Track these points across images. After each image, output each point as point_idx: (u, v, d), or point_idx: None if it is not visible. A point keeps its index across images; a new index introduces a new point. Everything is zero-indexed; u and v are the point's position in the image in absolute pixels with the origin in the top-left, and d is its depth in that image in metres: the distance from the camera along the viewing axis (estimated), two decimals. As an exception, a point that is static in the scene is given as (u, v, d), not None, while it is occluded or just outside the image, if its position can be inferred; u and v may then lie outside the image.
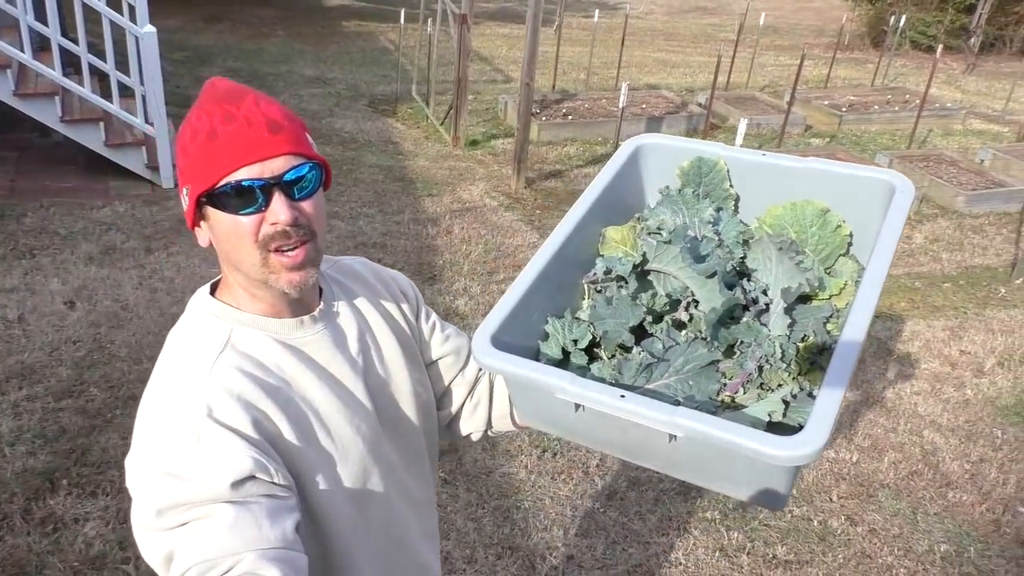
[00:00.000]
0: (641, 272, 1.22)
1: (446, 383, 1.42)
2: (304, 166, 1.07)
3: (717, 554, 3.13)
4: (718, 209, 1.29)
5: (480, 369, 1.43)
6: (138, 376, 3.84)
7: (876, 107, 9.89)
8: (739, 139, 4.68)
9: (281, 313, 1.15)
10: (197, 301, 1.18)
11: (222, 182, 1.03)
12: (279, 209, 1.04)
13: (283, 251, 1.07)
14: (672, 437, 0.93)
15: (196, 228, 1.12)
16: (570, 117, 8.54)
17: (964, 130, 9.94)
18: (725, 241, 1.23)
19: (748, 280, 1.21)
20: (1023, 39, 14.88)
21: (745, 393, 1.04)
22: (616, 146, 5.81)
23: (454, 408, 1.43)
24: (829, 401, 0.90)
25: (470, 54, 7.54)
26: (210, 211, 1.07)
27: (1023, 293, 5.76)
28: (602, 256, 1.27)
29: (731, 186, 1.30)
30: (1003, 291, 5.77)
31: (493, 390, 1.43)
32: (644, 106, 9.13)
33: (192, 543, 0.95)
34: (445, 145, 7.84)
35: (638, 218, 1.32)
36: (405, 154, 7.55)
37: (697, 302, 1.16)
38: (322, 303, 1.21)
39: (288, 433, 1.08)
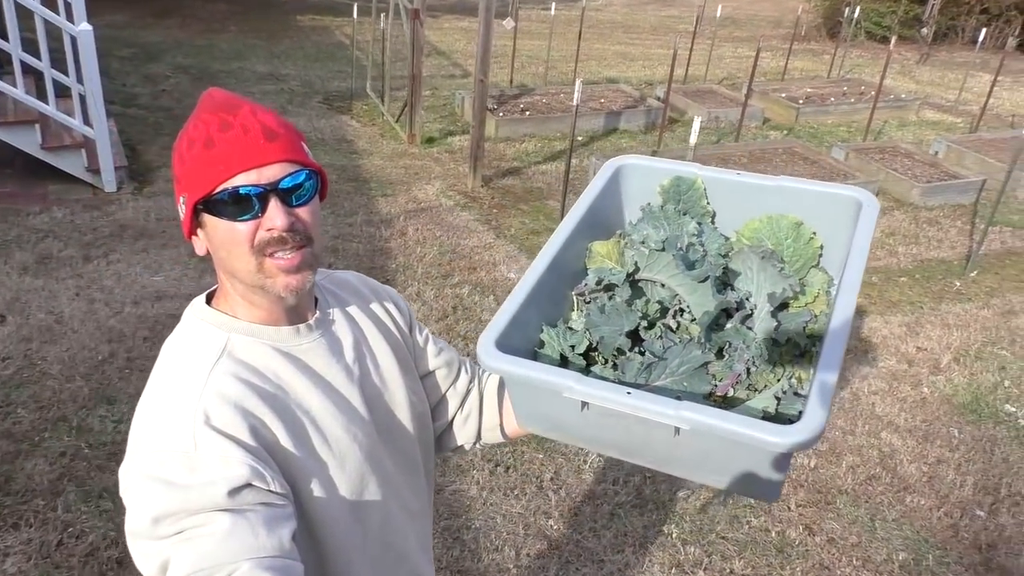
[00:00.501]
0: (632, 282, 1.28)
1: (437, 397, 1.43)
2: (300, 173, 1.08)
3: (674, 571, 3.02)
4: (699, 223, 1.35)
5: (471, 381, 1.46)
6: (70, 395, 3.62)
7: (832, 99, 9.88)
8: (693, 137, 4.57)
9: (278, 321, 1.15)
10: (193, 310, 1.17)
11: (219, 189, 1.04)
12: (275, 215, 1.04)
13: (279, 255, 1.07)
14: (676, 432, 0.96)
15: (193, 237, 1.12)
16: (528, 113, 8.39)
17: (919, 121, 9.97)
18: (709, 252, 1.29)
19: (731, 288, 1.28)
20: (974, 29, 15.01)
21: (734, 393, 1.09)
22: (573, 142, 5.68)
23: (445, 420, 1.44)
24: (822, 391, 0.95)
25: (424, 49, 7.35)
26: (207, 219, 1.08)
27: (977, 286, 5.74)
28: (588, 269, 1.32)
29: (708, 203, 1.36)
30: (958, 284, 5.75)
31: (483, 403, 1.45)
32: (602, 100, 9.00)
33: (188, 552, 0.93)
34: (401, 143, 7.65)
35: (620, 234, 1.37)
36: (359, 153, 7.35)
37: (682, 310, 1.22)
38: (318, 312, 1.21)
39: (285, 440, 1.08)
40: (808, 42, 14.67)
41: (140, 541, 0.98)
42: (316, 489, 1.11)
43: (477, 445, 1.49)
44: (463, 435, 1.46)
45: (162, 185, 6.07)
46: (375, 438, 1.22)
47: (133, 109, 7.85)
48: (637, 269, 1.24)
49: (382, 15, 8.04)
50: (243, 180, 1.04)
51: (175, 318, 1.18)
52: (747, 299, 1.23)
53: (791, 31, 12.71)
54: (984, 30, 11.18)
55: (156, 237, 5.25)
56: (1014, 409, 4.28)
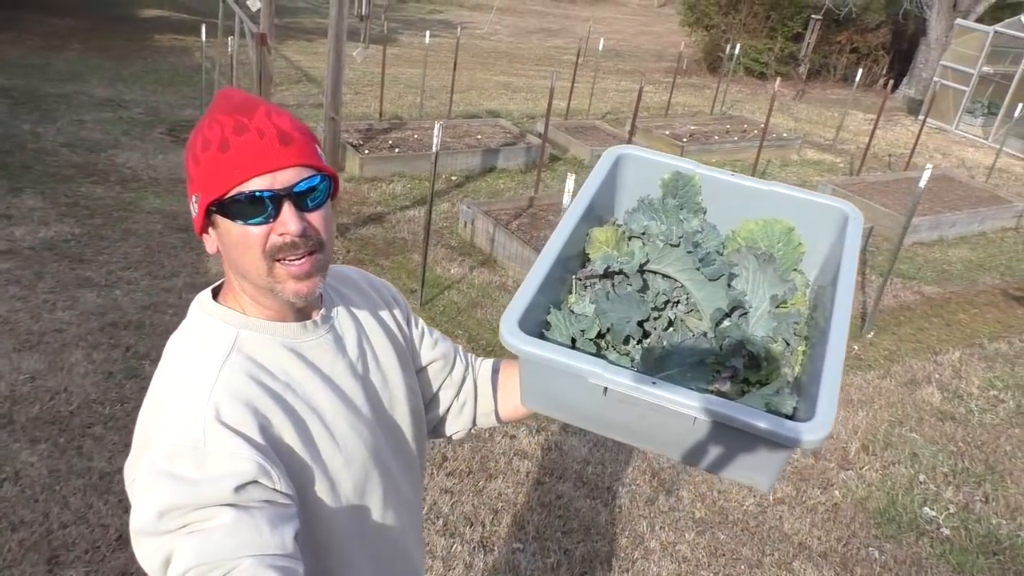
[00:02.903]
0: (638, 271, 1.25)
1: (435, 388, 1.41)
2: (315, 178, 1.06)
3: None
4: (702, 220, 1.33)
5: (466, 370, 1.44)
6: None
7: (716, 137, 9.38)
8: (567, 199, 3.73)
9: (286, 318, 1.12)
10: (200, 305, 1.13)
11: (233, 191, 1.02)
12: (288, 220, 1.02)
13: (289, 261, 1.05)
14: (692, 421, 0.97)
15: (204, 235, 1.09)
16: (397, 150, 7.43)
17: (800, 160, 9.59)
18: (708, 250, 1.27)
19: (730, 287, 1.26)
20: (845, 67, 15.08)
21: (731, 387, 1.06)
22: (433, 189, 4.76)
23: (441, 411, 1.43)
24: (831, 390, 0.96)
25: (272, 78, 6.30)
26: (219, 219, 1.05)
27: (875, 350, 5.16)
28: (590, 255, 1.27)
29: (701, 200, 1.34)
30: (856, 348, 5.15)
31: (477, 390, 1.44)
32: (479, 137, 8.15)
33: (191, 546, 0.91)
34: (248, 183, 6.55)
35: (614, 221, 1.35)
36: (198, 195, 6.21)
37: (678, 302, 1.21)
38: (323, 308, 1.18)
39: (292, 439, 1.05)
40: (690, 76, 14.35)
41: (144, 537, 0.94)
42: (322, 486, 1.08)
43: (472, 430, 1.48)
44: (459, 423, 1.44)
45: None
46: (378, 434, 1.20)
47: (-75, 140, 6.46)
48: (648, 260, 1.20)
49: (229, 38, 6.95)
50: (257, 184, 1.01)
51: None
52: (743, 297, 1.20)
53: (673, 64, 12.29)
54: (860, 69, 10.99)
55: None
56: (934, 513, 3.62)
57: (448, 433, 1.45)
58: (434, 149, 4.36)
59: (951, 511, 3.65)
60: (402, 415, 1.27)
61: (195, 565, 0.90)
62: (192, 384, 1.02)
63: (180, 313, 3.87)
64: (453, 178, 7.37)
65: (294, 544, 0.96)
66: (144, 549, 0.95)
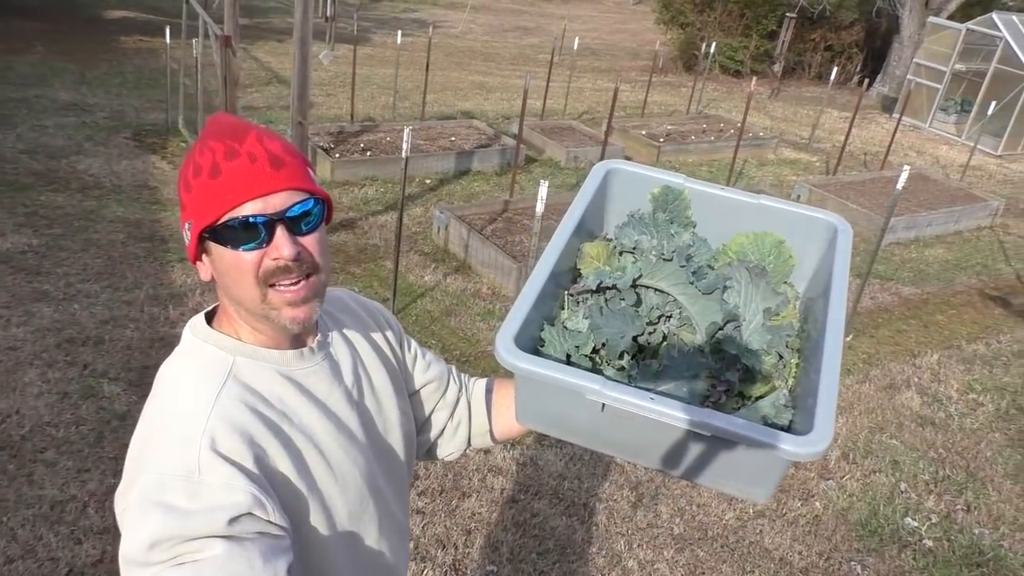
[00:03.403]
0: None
1: (428, 410, 1.39)
2: (308, 201, 1.04)
3: None
4: (693, 234, 1.33)
5: (459, 391, 1.42)
6: None
7: (693, 136, 9.30)
8: (540, 207, 3.62)
9: (281, 344, 1.10)
10: (195, 331, 1.10)
11: (225, 217, 1.00)
12: (282, 244, 1.01)
13: (284, 286, 1.04)
14: (690, 435, 0.97)
15: (198, 263, 1.08)
16: (369, 153, 7.28)
17: (777, 160, 9.55)
18: (700, 264, 1.26)
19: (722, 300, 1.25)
20: (819, 65, 15.10)
21: (726, 400, 1.06)
22: (416, 184, 4.63)
23: (434, 433, 1.41)
24: (827, 405, 0.95)
25: (239, 80, 6.13)
26: (212, 246, 1.04)
27: (854, 353, 5.10)
28: (581, 270, 1.27)
29: (691, 214, 1.33)
30: (835, 352, 5.07)
31: (471, 410, 1.43)
32: (453, 139, 8.01)
33: None
34: (216, 189, 6.37)
35: (604, 236, 1.35)
36: (163, 203, 6.03)
37: (670, 316, 1.20)
38: (319, 334, 1.16)
39: (288, 470, 1.03)
40: (666, 75, 14.28)
41: (133, 568, 0.92)
42: (317, 516, 1.06)
43: (467, 451, 1.46)
44: (454, 443, 1.42)
45: None
46: (372, 460, 1.18)
47: None
48: (640, 275, 1.21)
49: (195, 40, 6.76)
50: (249, 209, 1.00)
51: None
52: (736, 311, 1.19)
53: (649, 63, 12.21)
54: (836, 68, 10.97)
55: None
56: (916, 524, 3.54)
57: (441, 455, 1.44)
58: (404, 155, 4.23)
59: (933, 521, 3.57)
60: (396, 440, 1.26)
61: None
62: (187, 412, 1.00)
63: (141, 327, 3.69)
64: (427, 181, 7.23)
65: None
66: None
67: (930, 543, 3.43)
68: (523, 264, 5.22)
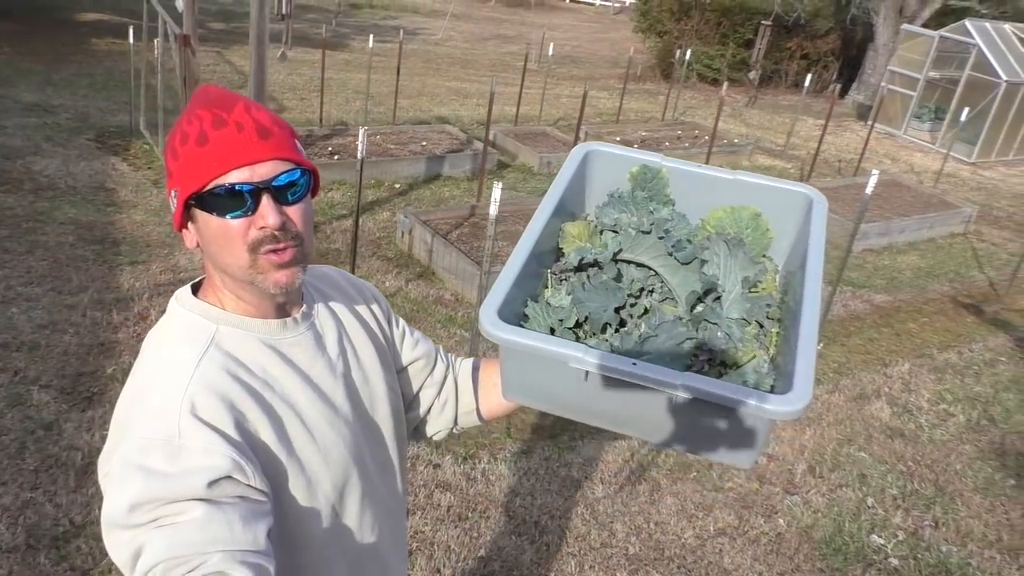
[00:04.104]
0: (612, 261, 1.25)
1: (415, 388, 1.38)
2: (294, 171, 1.04)
3: None
4: (672, 210, 1.33)
5: (447, 369, 1.41)
6: None
7: (667, 143, 9.15)
8: (493, 209, 3.43)
9: (266, 314, 1.10)
10: (180, 301, 1.10)
11: (211, 184, 1.00)
12: (268, 213, 1.01)
13: (269, 249, 1.02)
14: (673, 401, 0.97)
15: (183, 230, 1.08)
16: (337, 156, 7.06)
17: (751, 166, 9.41)
18: (680, 237, 1.26)
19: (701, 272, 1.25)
20: (796, 73, 15.02)
21: (708, 369, 1.06)
22: (386, 188, 4.41)
23: (422, 411, 1.39)
24: (806, 366, 0.95)
25: (198, 82, 5.90)
26: (198, 213, 1.04)
27: (825, 363, 4.93)
28: (564, 249, 1.27)
29: (670, 191, 1.34)
30: (804, 360, 4.91)
31: (458, 388, 1.41)
32: (424, 143, 7.82)
33: (160, 540, 0.89)
34: (175, 192, 6.14)
35: (585, 217, 1.35)
36: (118, 205, 5.79)
37: (653, 290, 1.21)
38: (303, 306, 1.16)
39: (269, 437, 1.03)
40: (644, 82, 14.16)
41: (115, 531, 0.92)
42: (298, 484, 1.06)
43: (454, 430, 1.44)
44: (440, 422, 1.41)
45: None
46: (358, 432, 1.17)
47: None
48: (620, 250, 1.21)
49: (156, 40, 6.53)
50: (236, 177, 1.00)
51: None
52: (716, 281, 1.20)
53: (625, 71, 12.07)
54: (809, 76, 10.87)
55: None
56: (882, 541, 3.37)
57: (429, 433, 1.43)
58: (359, 155, 4.03)
59: (900, 539, 3.40)
60: (383, 415, 1.25)
61: (164, 559, 0.88)
62: (169, 378, 1.00)
63: (81, 333, 3.44)
64: (396, 186, 7.02)
65: (266, 541, 0.93)
66: (114, 542, 0.93)
67: (896, 561, 3.26)
68: (486, 270, 5.03)
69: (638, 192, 1.32)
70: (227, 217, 1.01)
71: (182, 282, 4.03)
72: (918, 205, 7.99)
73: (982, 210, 8.54)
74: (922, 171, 10.26)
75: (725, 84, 8.06)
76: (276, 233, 1.01)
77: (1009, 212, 9.01)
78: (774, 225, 1.29)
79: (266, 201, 1.01)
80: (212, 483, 0.91)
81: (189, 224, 1.06)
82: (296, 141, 1.08)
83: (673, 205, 1.33)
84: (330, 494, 1.10)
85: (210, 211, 1.01)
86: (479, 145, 7.89)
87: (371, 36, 9.05)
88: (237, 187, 0.99)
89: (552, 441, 3.73)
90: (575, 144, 5.89)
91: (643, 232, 1.21)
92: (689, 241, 1.26)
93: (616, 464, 3.64)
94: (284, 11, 11.80)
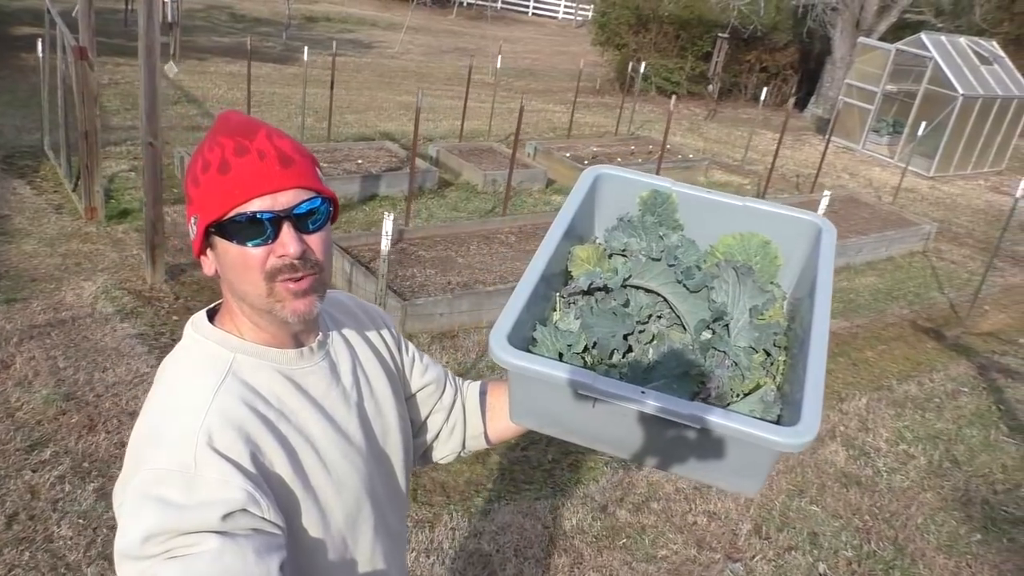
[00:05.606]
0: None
1: (424, 414, 1.36)
2: (315, 200, 1.02)
3: None
4: (681, 236, 1.33)
5: (455, 394, 1.40)
6: None
7: (619, 159, 8.73)
8: (384, 243, 2.93)
9: (283, 343, 1.08)
10: (196, 328, 1.08)
11: (232, 212, 0.98)
12: (288, 242, 0.99)
13: (287, 278, 1.01)
14: (681, 430, 0.97)
15: (202, 257, 1.06)
16: (262, 176, 6.53)
17: (707, 182, 9.01)
18: (688, 264, 1.26)
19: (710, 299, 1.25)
20: (755, 86, 14.73)
21: (715, 396, 1.05)
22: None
23: (430, 436, 1.38)
24: (816, 395, 0.95)
25: (98, 98, 5.34)
26: (218, 241, 1.02)
27: (776, 398, 4.48)
28: (573, 272, 1.26)
29: (679, 216, 1.33)
30: (754, 396, 4.47)
31: (466, 412, 1.40)
32: (360, 161, 7.31)
33: (173, 571, 0.87)
34: (77, 219, 5.57)
35: (594, 240, 1.36)
36: (10, 233, 5.21)
37: (660, 316, 1.20)
38: (319, 334, 1.13)
39: (284, 469, 1.01)
40: (603, 96, 13.77)
41: (127, 561, 0.90)
42: (311, 516, 1.04)
43: (462, 454, 1.43)
44: (448, 447, 1.40)
45: None
46: (370, 463, 1.15)
47: None
48: (630, 275, 1.21)
49: (40, 51, 5.97)
50: (257, 206, 0.98)
51: None
52: (724, 309, 1.18)
53: (587, 84, 11.67)
54: (765, 89, 10.52)
55: None
56: (835, 619, 2.90)
57: (436, 458, 1.41)
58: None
59: (855, 617, 2.94)
60: (394, 445, 1.22)
61: None
62: (186, 408, 0.97)
63: None
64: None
65: (279, 574, 0.90)
66: (126, 572, 0.90)
67: (850, 647, 2.80)
68: (410, 303, 4.52)
69: (648, 217, 1.31)
70: (247, 245, 0.98)
71: (63, 323, 3.40)
72: (876, 222, 7.63)
73: (941, 227, 8.21)
74: (881, 186, 9.94)
75: (674, 98, 7.66)
76: (295, 262, 0.99)
77: (968, 228, 8.69)
78: (782, 251, 1.28)
79: (287, 229, 0.99)
80: (227, 516, 0.89)
81: (208, 251, 1.04)
82: (317, 169, 1.05)
83: (682, 230, 1.31)
84: (342, 526, 1.08)
85: (230, 239, 0.99)
86: (420, 163, 7.40)
87: (306, 48, 8.52)
88: (258, 215, 0.97)
89: (462, 506, 3.23)
90: (511, 162, 5.38)
91: (653, 259, 1.20)
92: (698, 268, 1.25)
93: (535, 531, 3.14)
94: (170, 18, 11.03)
